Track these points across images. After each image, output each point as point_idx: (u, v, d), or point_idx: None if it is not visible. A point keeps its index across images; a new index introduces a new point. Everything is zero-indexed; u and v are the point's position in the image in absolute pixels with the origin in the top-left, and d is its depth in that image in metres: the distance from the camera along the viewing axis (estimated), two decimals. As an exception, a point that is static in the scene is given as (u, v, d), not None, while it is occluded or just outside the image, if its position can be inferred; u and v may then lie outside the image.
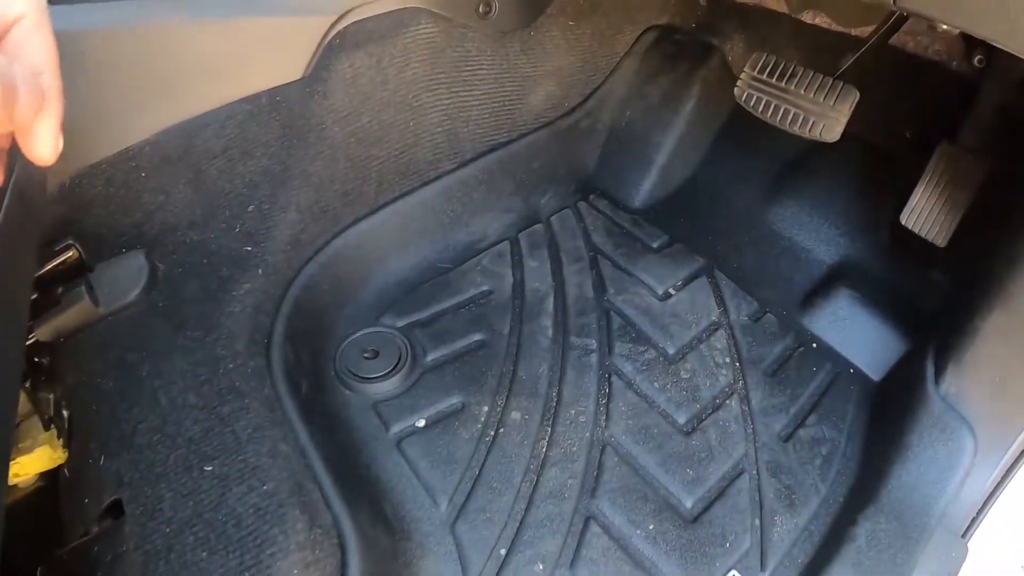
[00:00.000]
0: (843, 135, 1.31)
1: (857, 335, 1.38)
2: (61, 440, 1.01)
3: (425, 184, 1.45)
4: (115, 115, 1.12)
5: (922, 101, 1.50)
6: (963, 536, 1.10)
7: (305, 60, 1.27)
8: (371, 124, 1.34)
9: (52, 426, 1.03)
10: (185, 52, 1.13)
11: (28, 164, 0.53)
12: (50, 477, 1.03)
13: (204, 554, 0.85)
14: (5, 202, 0.55)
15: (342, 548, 0.91)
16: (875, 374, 1.33)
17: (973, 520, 1.11)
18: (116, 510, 0.90)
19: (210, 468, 0.93)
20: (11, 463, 0.97)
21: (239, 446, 0.95)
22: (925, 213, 1.29)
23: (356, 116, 1.31)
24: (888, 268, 1.46)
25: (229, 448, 0.95)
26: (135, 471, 0.92)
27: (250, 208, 1.21)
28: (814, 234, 1.56)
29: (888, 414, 1.23)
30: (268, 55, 1.22)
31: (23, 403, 1.04)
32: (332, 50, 1.26)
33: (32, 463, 1.00)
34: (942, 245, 1.28)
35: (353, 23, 1.28)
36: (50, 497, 0.99)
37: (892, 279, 1.44)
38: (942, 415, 1.11)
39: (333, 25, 1.27)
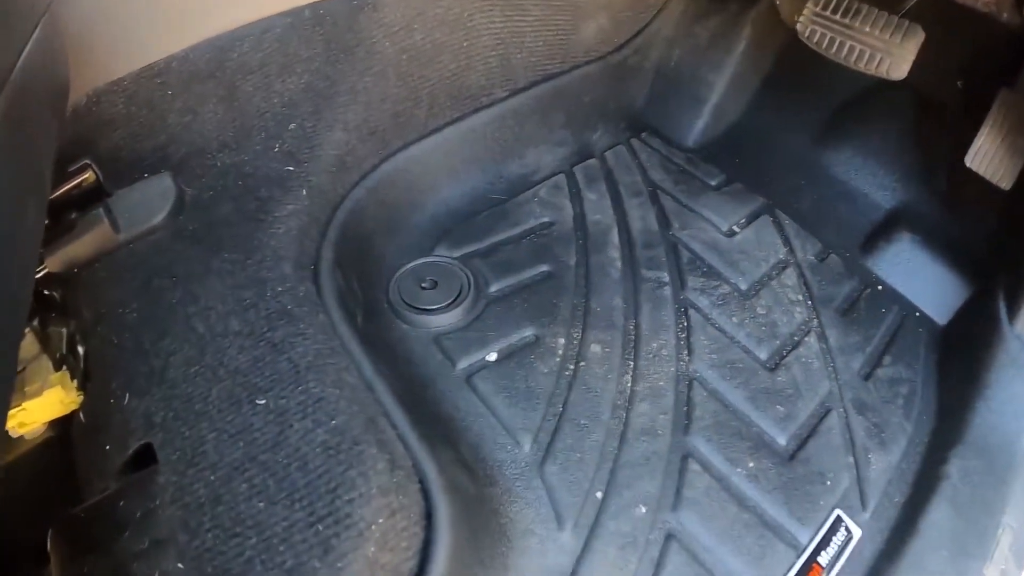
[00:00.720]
0: (896, 83, 1.31)
1: (920, 278, 1.35)
2: (75, 381, 0.87)
3: (477, 111, 1.36)
4: (140, 28, 1.03)
5: (973, 52, 1.46)
6: None
7: None
8: (423, 42, 1.25)
9: (64, 366, 0.89)
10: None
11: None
12: (61, 426, 0.89)
13: (261, 504, 0.73)
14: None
15: (425, 494, 0.80)
16: (940, 318, 1.30)
17: None
18: (146, 458, 0.78)
19: (263, 401, 0.81)
20: (14, 410, 0.83)
21: (297, 376, 0.83)
22: (991, 155, 1.25)
23: (408, 32, 1.22)
24: (946, 214, 1.42)
25: (286, 378, 0.83)
26: (168, 410, 0.80)
27: (291, 126, 1.11)
28: (870, 178, 1.52)
29: (960, 356, 1.20)
30: None
31: (29, 342, 0.91)
32: None
33: (40, 409, 0.85)
34: (1007, 188, 1.24)
35: None
36: (62, 450, 0.86)
37: (951, 225, 1.41)
38: (1019, 354, 1.09)
39: None
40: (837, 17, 1.34)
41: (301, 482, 0.74)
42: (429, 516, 0.78)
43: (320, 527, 0.71)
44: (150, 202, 0.99)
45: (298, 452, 0.77)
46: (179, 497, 0.74)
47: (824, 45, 1.35)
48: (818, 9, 1.36)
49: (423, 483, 0.81)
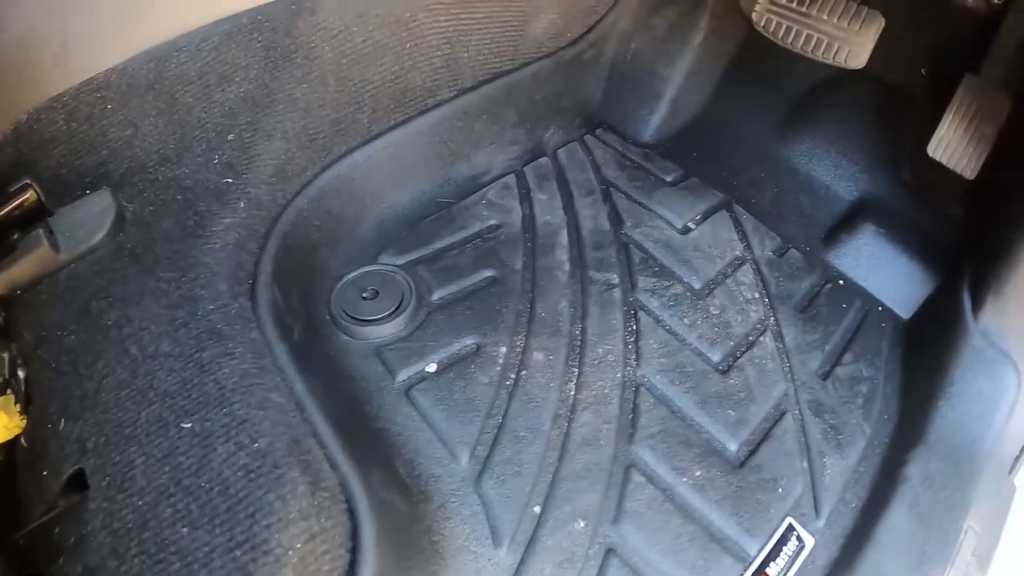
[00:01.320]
0: (857, 71, 1.30)
1: (884, 271, 1.34)
2: (18, 406, 0.87)
3: (423, 113, 1.33)
4: (79, 42, 1.01)
5: (938, 39, 1.44)
6: (1009, 473, 1.08)
7: None
8: (364, 44, 1.22)
9: (8, 390, 0.89)
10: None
11: None
12: (8, 451, 0.88)
13: (185, 529, 0.72)
14: None
15: (352, 514, 0.79)
16: (904, 312, 1.29)
17: (1018, 458, 1.09)
18: (79, 482, 0.78)
19: (189, 425, 0.80)
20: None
21: (223, 397, 0.82)
22: (954, 144, 1.24)
23: (348, 35, 1.20)
24: (910, 205, 1.40)
25: (211, 400, 0.82)
26: (100, 435, 0.80)
27: (230, 137, 1.09)
28: (832, 169, 1.50)
29: (924, 352, 1.19)
30: None
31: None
32: None
33: (-16, 434, 0.85)
34: (970, 177, 1.23)
35: None
36: (10, 475, 0.86)
37: (914, 216, 1.39)
38: (984, 350, 1.07)
39: None
40: (794, 5, 1.33)
41: (222, 507, 0.73)
42: (355, 537, 0.77)
43: (238, 552, 0.70)
44: (90, 220, 0.98)
45: (220, 476, 0.75)
46: (108, 523, 0.73)
47: (780, 35, 1.34)
48: None
49: (349, 503, 0.79)
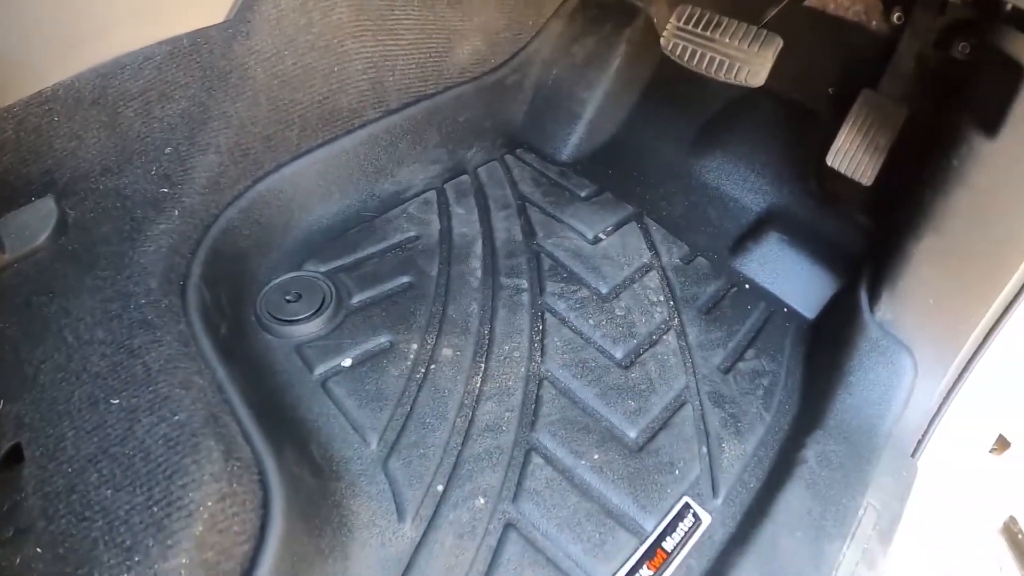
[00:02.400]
0: (766, 91, 1.37)
1: (788, 276, 1.42)
2: None
3: (349, 132, 1.41)
4: (30, 57, 1.07)
5: (843, 59, 1.55)
6: (912, 456, 1.15)
7: (229, 2, 1.23)
8: (295, 67, 1.30)
9: None
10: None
11: None
12: None
13: (108, 492, 0.79)
14: None
15: (264, 485, 0.86)
16: (808, 312, 1.37)
17: (920, 441, 1.15)
18: (17, 456, 0.84)
19: (117, 401, 0.87)
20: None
21: (149, 377, 0.90)
22: (851, 154, 1.33)
23: (279, 58, 1.28)
24: (815, 214, 1.49)
25: (138, 380, 0.89)
26: (36, 412, 0.86)
27: (167, 150, 1.17)
28: (741, 183, 1.59)
29: (825, 346, 1.26)
30: None
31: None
32: None
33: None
34: (868, 184, 1.31)
35: None
36: None
37: (819, 224, 1.47)
38: (880, 340, 1.14)
39: None
40: (699, 30, 1.41)
41: (143, 471, 0.81)
42: (266, 505, 0.84)
43: (155, 509, 0.77)
44: (35, 224, 1.05)
45: (143, 444, 0.83)
46: (40, 488, 0.80)
47: (687, 58, 1.42)
48: (680, 23, 1.43)
49: (261, 475, 0.87)
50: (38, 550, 0.76)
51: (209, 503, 0.79)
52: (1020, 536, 1.46)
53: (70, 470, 0.81)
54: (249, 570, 0.80)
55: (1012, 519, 1.40)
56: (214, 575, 0.77)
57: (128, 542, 0.75)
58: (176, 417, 0.85)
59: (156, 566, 0.74)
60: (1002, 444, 1.35)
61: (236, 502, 0.82)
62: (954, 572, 1.76)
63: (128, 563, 0.74)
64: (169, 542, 0.75)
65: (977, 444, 1.26)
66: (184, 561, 0.75)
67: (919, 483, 1.13)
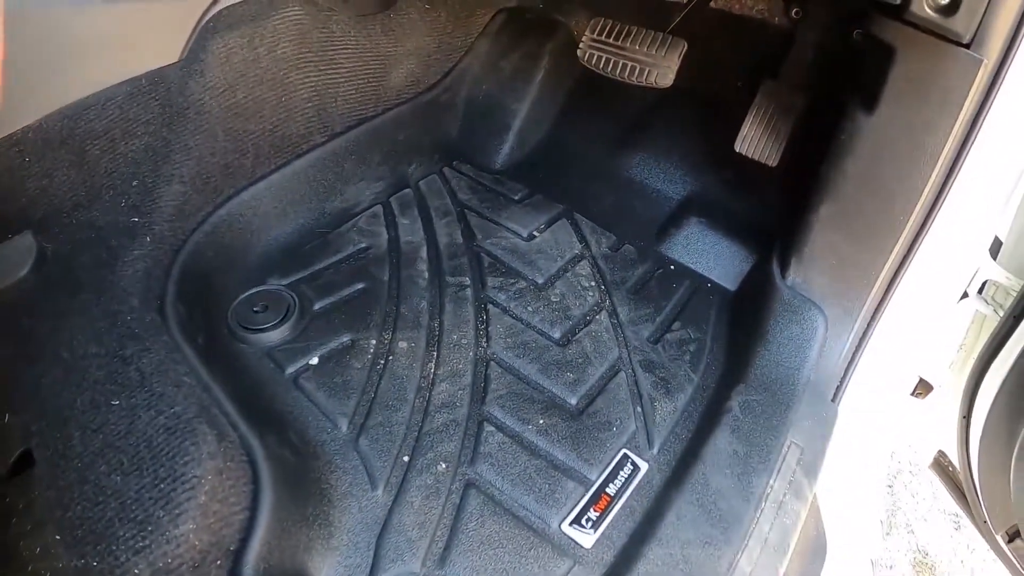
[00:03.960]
0: (681, 90, 1.51)
1: (710, 254, 1.58)
2: None
3: (299, 156, 1.53)
4: None
5: (749, 53, 1.72)
6: (833, 400, 1.28)
7: (182, 43, 1.32)
8: (246, 100, 1.41)
9: None
10: (67, 38, 1.17)
11: None
12: None
13: (118, 478, 0.89)
14: None
15: (252, 463, 0.98)
16: (730, 285, 1.52)
17: (838, 387, 1.29)
18: (28, 462, 0.93)
19: (117, 402, 0.97)
20: None
21: (143, 379, 1.01)
22: (756, 140, 1.48)
23: (232, 92, 1.38)
24: (730, 197, 1.66)
25: (134, 383, 1.00)
26: (42, 420, 0.96)
27: (134, 183, 1.26)
28: (662, 176, 1.75)
29: (746, 314, 1.40)
30: (147, 39, 1.27)
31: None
32: (207, 32, 1.33)
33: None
34: (773, 165, 1.46)
35: (227, 7, 1.35)
36: None
37: (734, 205, 1.64)
38: (791, 301, 1.29)
39: (208, 9, 1.34)
40: (611, 40, 1.54)
41: (148, 456, 0.92)
42: (256, 480, 0.97)
43: (162, 485, 0.89)
44: (16, 258, 1.13)
45: (145, 435, 0.94)
46: (53, 483, 0.90)
47: (601, 66, 1.56)
48: (595, 35, 1.57)
49: (249, 454, 0.99)
50: (56, 537, 0.85)
51: (209, 476, 0.91)
52: (950, 468, 1.55)
53: (80, 464, 0.91)
54: (246, 536, 0.92)
55: (941, 453, 1.50)
56: (217, 539, 0.89)
57: (140, 516, 0.86)
58: (173, 410, 0.97)
59: (167, 532, 0.85)
60: (925, 387, 1.44)
61: (231, 476, 0.94)
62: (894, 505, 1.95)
63: (143, 534, 0.85)
64: (177, 511, 0.87)
65: (899, 389, 1.36)
66: (191, 527, 0.87)
67: (849, 427, 1.26)
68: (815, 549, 1.22)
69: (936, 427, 1.45)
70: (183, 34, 1.33)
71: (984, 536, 1.38)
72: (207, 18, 1.34)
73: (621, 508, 1.13)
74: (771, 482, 1.12)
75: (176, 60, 1.32)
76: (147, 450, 0.93)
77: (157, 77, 1.29)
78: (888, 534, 2.09)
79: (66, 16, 1.16)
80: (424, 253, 1.54)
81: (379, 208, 1.65)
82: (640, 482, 1.16)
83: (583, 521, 1.10)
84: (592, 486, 1.15)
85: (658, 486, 1.16)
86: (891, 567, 2.02)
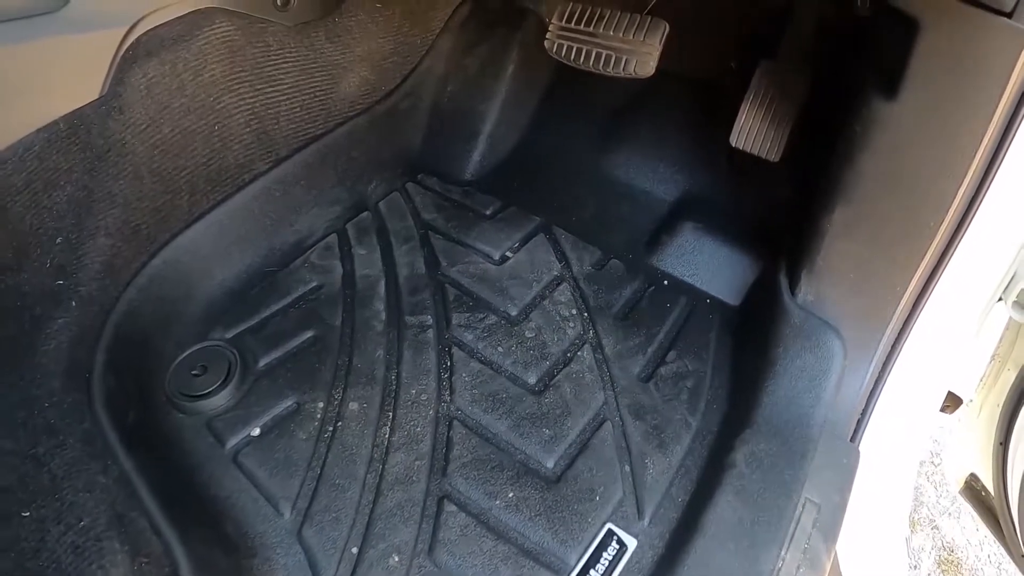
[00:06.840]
0: (669, 75, 1.34)
1: (708, 265, 1.41)
2: None
3: (240, 188, 1.40)
4: None
5: (742, 31, 1.54)
6: (852, 440, 1.12)
7: (101, 78, 1.20)
8: (173, 134, 1.28)
9: None
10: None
11: None
12: None
13: None
14: None
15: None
16: (732, 299, 1.36)
17: (859, 422, 1.12)
18: None
19: (28, 513, 0.88)
20: None
21: (54, 485, 0.91)
22: (754, 131, 1.31)
23: (156, 127, 1.25)
24: (730, 195, 1.49)
25: (45, 490, 0.91)
26: None
27: (58, 240, 1.15)
28: (651, 175, 1.59)
29: (752, 335, 1.24)
30: (63, 78, 1.16)
31: None
32: (126, 63, 1.20)
33: None
34: (775, 160, 1.29)
35: (145, 32, 1.22)
36: None
37: (735, 205, 1.47)
38: (803, 324, 1.12)
39: (125, 37, 1.20)
40: (581, 27, 1.35)
41: None
42: None
43: None
44: None
45: (54, 555, 0.85)
46: None
47: (572, 57, 1.37)
48: (562, 23, 1.38)
49: (172, 566, 0.89)
50: None
51: None
52: (983, 493, 1.42)
53: None
54: None
55: (973, 476, 1.38)
56: None
57: None
58: (81, 523, 0.87)
59: None
60: (954, 401, 1.29)
61: None
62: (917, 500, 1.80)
63: None
64: None
65: (927, 414, 1.19)
66: None
67: (870, 466, 1.10)
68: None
69: (967, 446, 1.31)
70: (102, 69, 1.20)
71: (1021, 569, 1.25)
72: (124, 48, 1.20)
73: (604, 599, 0.99)
74: (783, 554, 0.97)
75: (97, 97, 1.19)
76: (56, 574, 0.84)
77: (76, 119, 1.17)
78: (912, 532, 1.96)
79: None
80: (381, 289, 1.40)
81: (334, 238, 1.51)
82: (627, 564, 1.02)
83: (558, 621, 0.96)
84: (570, 573, 1.00)
85: (649, 567, 1.02)
86: (915, 567, 1.88)
